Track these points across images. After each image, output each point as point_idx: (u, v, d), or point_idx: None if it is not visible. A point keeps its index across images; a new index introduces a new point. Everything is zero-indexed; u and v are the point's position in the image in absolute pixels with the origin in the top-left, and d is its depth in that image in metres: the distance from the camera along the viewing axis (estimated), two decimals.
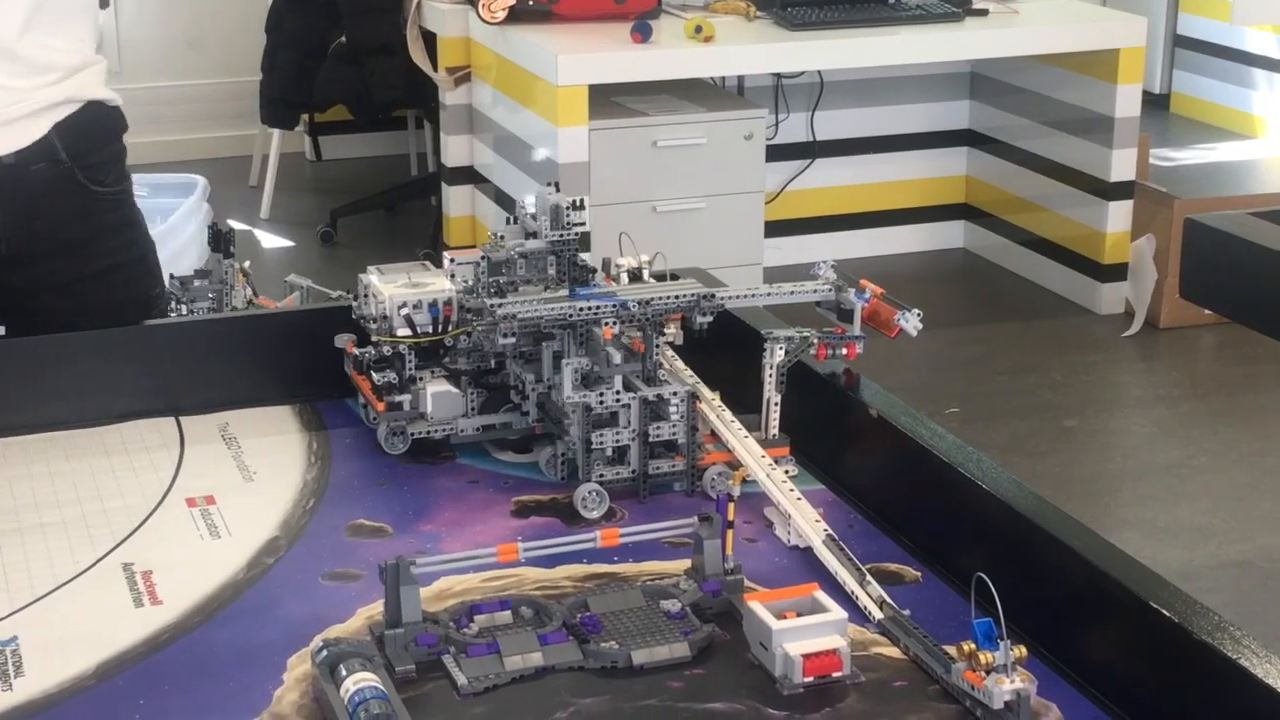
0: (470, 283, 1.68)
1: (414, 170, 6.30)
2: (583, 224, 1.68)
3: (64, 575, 1.46)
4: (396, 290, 1.69)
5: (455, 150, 4.83)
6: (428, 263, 1.77)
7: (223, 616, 1.41)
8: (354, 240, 5.71)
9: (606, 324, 1.57)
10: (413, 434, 1.68)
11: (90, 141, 2.03)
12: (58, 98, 1.98)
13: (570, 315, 1.57)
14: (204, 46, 6.25)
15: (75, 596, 1.43)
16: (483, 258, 1.66)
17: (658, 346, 1.62)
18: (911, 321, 1.65)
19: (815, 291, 1.70)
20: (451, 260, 1.69)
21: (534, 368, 1.65)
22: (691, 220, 4.37)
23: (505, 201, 4.58)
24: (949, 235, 5.62)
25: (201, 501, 1.61)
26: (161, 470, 1.67)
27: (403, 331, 1.67)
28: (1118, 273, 5.00)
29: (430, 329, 1.68)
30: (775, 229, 4.86)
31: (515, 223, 1.70)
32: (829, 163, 5.34)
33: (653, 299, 1.60)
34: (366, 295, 1.72)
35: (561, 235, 1.67)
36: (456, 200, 4.88)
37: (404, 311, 1.67)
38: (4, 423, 1.73)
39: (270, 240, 5.75)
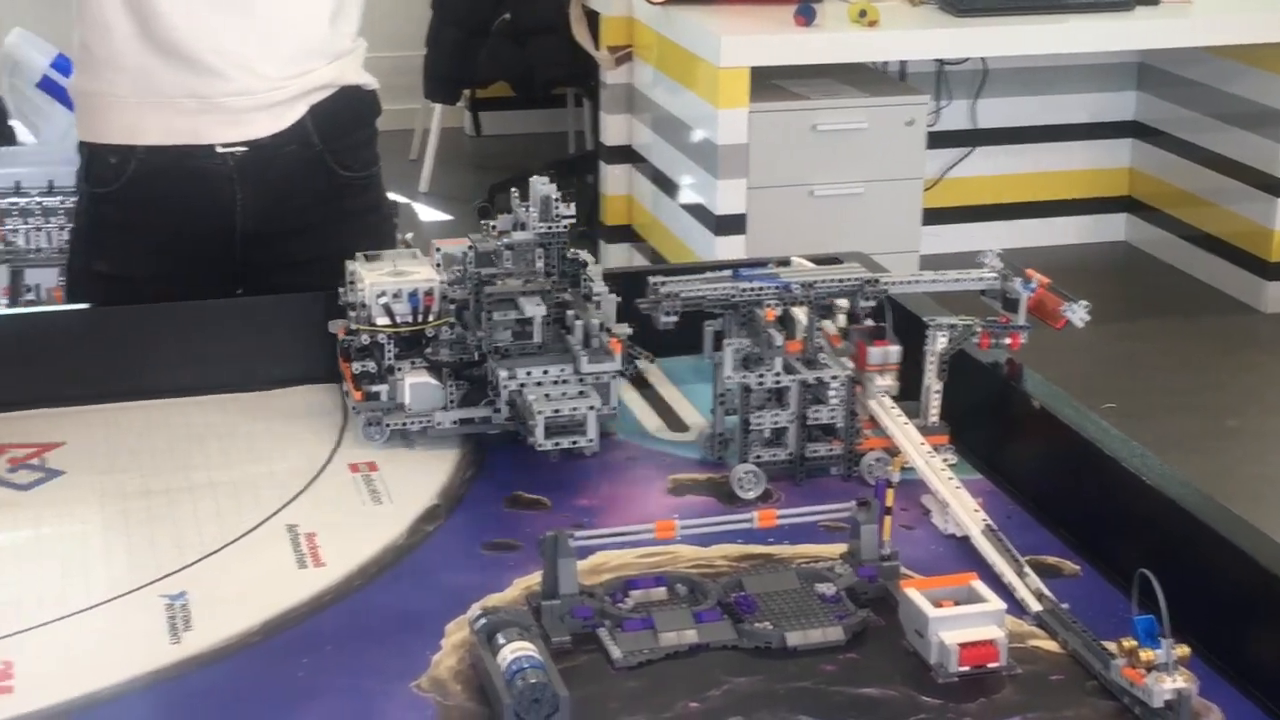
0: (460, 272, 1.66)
1: (571, 148, 6.34)
2: (571, 217, 1.66)
3: (231, 534, 1.50)
4: (377, 278, 1.66)
5: (614, 129, 4.85)
6: (417, 251, 1.74)
7: (383, 580, 1.43)
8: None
9: (769, 305, 1.57)
10: (389, 425, 1.65)
11: (343, 126, 2.04)
12: (317, 83, 1.99)
13: (733, 296, 1.58)
14: (368, 21, 6.33)
15: (241, 555, 1.47)
16: (470, 247, 1.64)
17: (819, 329, 1.61)
18: (1078, 313, 1.63)
19: (980, 280, 1.68)
20: (438, 250, 1.68)
21: (508, 364, 1.61)
22: (849, 205, 4.35)
23: (662, 181, 4.59)
24: (1111, 228, 5.53)
25: (364, 468, 1.63)
26: (325, 436, 1.70)
27: (381, 320, 1.64)
28: None
29: (410, 319, 1.65)
30: (933, 216, 4.81)
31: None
32: (990, 151, 5.28)
33: (816, 282, 1.59)
34: (353, 282, 1.69)
35: (550, 228, 1.65)
36: (613, 179, 4.90)
37: (382, 300, 1.64)
38: (179, 383, 1.77)
39: (428, 213, 5.81)
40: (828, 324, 1.64)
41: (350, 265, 1.69)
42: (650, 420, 1.76)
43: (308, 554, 1.47)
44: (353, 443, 1.69)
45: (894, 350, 1.60)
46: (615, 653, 1.30)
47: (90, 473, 1.61)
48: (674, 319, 1.58)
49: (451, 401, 1.65)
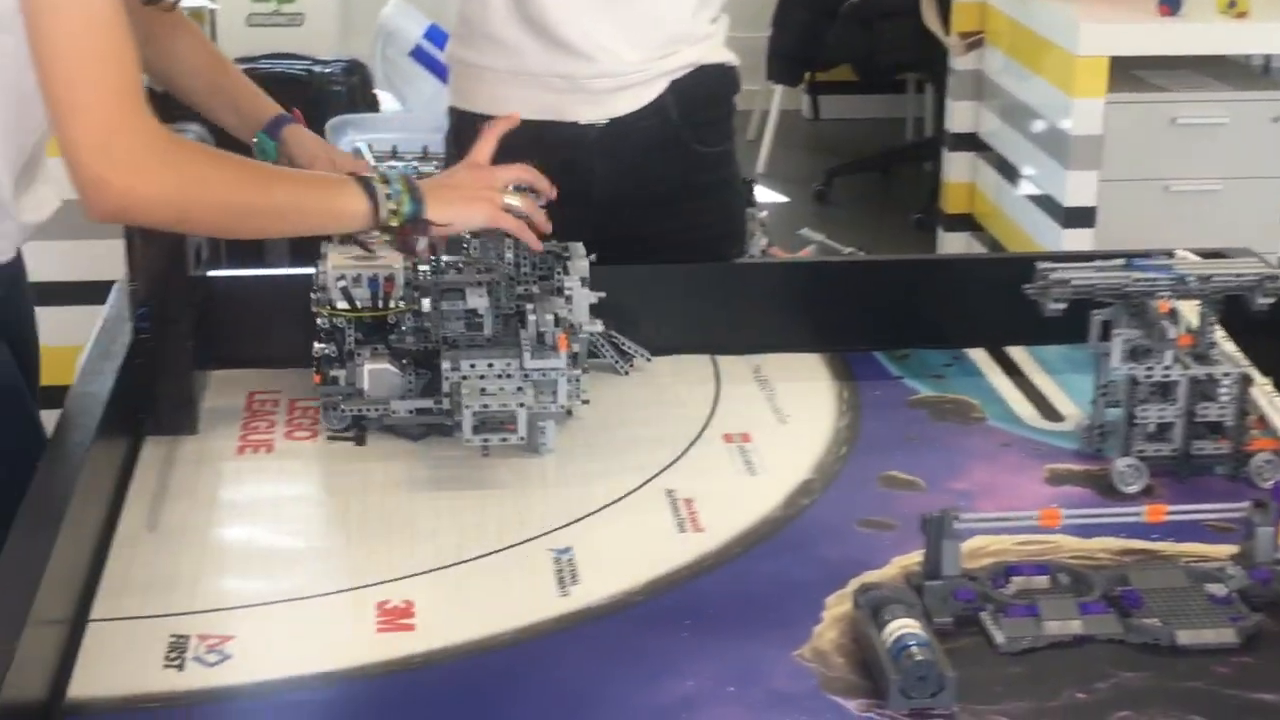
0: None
1: (909, 134, 6.28)
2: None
3: (612, 495, 1.54)
4: (340, 260, 1.63)
5: (960, 116, 4.78)
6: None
7: (762, 550, 1.45)
8: (848, 200, 5.74)
9: (1162, 297, 1.54)
10: (346, 411, 1.62)
11: (701, 102, 2.05)
12: (680, 64, 2.01)
13: (1125, 285, 1.55)
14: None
15: (622, 516, 1.51)
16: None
17: (1211, 325, 1.57)
18: None
19: None
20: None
21: (454, 355, 1.56)
22: (1205, 202, 4.20)
23: (1008, 170, 4.51)
24: None
25: (738, 438, 1.66)
26: (699, 405, 1.72)
27: (341, 304, 1.61)
28: None
29: (370, 303, 1.61)
30: None
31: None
32: None
33: (1213, 275, 1.55)
34: (320, 263, 1.65)
35: None
36: (957, 166, 4.83)
37: (341, 284, 1.61)
38: None
39: (765, 194, 5.84)
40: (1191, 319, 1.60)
41: (324, 245, 1.66)
42: (1023, 408, 1.74)
43: (687, 519, 1.50)
44: (725, 413, 1.71)
45: None
46: (999, 638, 1.29)
47: None
48: (1062, 306, 1.56)
49: (410, 390, 1.61)
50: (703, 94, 2.05)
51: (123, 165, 1.38)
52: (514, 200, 1.59)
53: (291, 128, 1.82)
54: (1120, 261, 1.57)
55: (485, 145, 1.65)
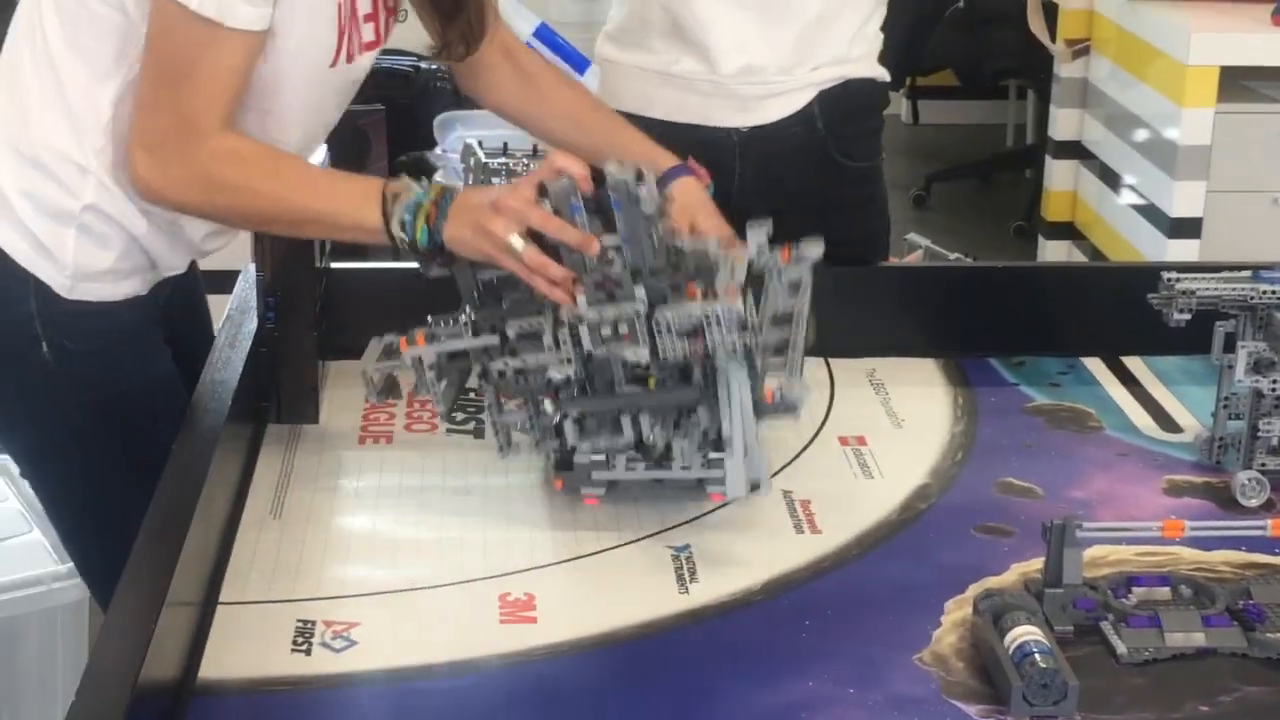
0: None
1: (1010, 141, 6.24)
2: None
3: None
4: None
5: (1064, 123, 4.74)
6: None
7: (879, 553, 1.46)
8: (946, 206, 5.71)
9: None
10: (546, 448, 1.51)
11: (848, 115, 2.02)
12: (830, 76, 1.99)
13: (1251, 297, 1.53)
14: None
15: (739, 515, 1.51)
16: None
17: None
18: None
19: None
20: None
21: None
22: None
23: (1111, 179, 4.47)
24: None
25: (853, 441, 1.66)
26: (814, 408, 1.72)
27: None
28: None
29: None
30: None
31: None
32: None
33: None
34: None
35: None
36: (1060, 174, 4.79)
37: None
38: None
39: None
40: None
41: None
42: (1140, 418, 1.73)
43: (804, 520, 1.50)
44: (840, 417, 1.71)
45: None
46: (1120, 648, 1.29)
47: None
48: (1187, 316, 1.55)
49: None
50: (851, 106, 2.02)
51: (158, 170, 1.48)
52: (517, 243, 1.44)
53: (680, 181, 1.74)
54: (1246, 273, 1.56)
55: (539, 174, 1.50)
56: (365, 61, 1.60)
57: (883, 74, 2.05)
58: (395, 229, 1.48)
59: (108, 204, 1.53)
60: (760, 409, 1.48)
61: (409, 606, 1.35)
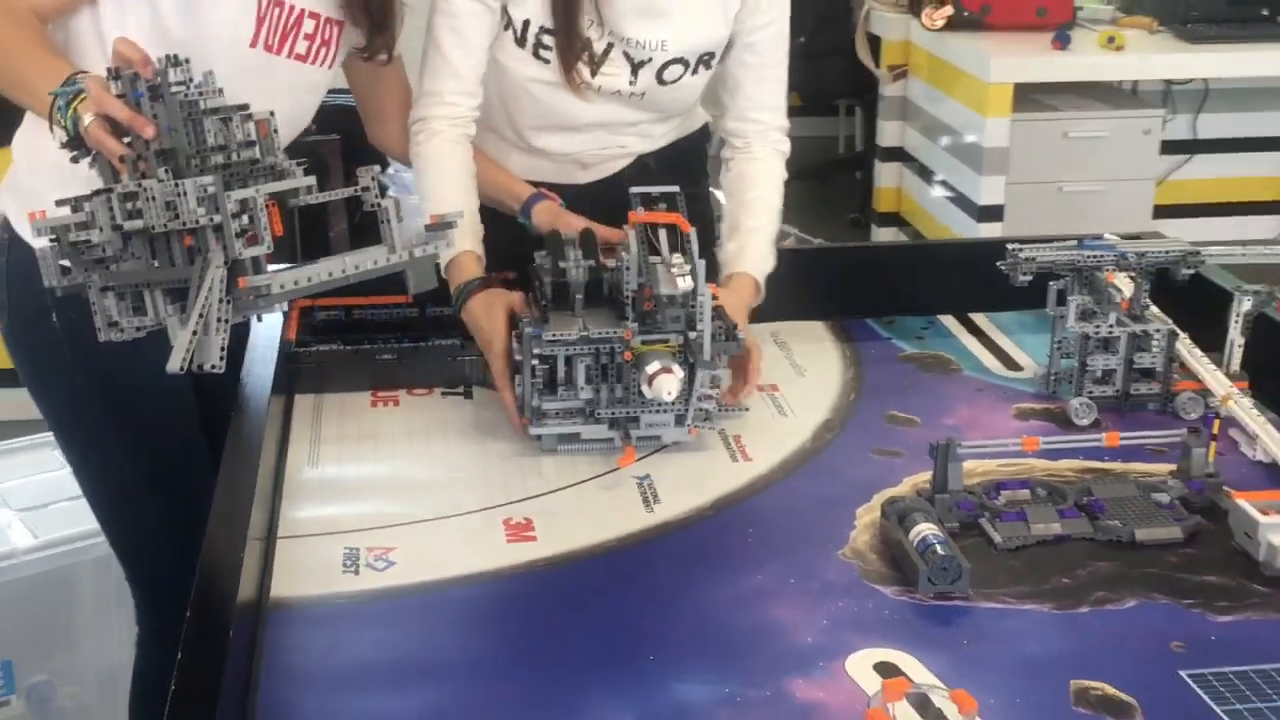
0: None
1: (841, 149, 6.32)
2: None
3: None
4: None
5: (889, 133, 4.84)
6: None
7: (800, 473, 1.50)
8: (794, 204, 5.76)
9: (1107, 269, 1.60)
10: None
11: (680, 156, 1.84)
12: (664, 143, 1.81)
13: (1079, 261, 1.60)
14: None
15: (687, 450, 1.55)
16: None
17: (1144, 291, 1.63)
18: None
19: None
20: None
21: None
22: (1091, 199, 4.27)
23: (928, 176, 4.58)
24: None
25: (768, 388, 1.71)
26: None
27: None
28: None
29: None
30: (1159, 212, 4.69)
31: None
32: (1207, 159, 5.11)
33: (1147, 252, 1.61)
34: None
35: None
36: (886, 174, 4.90)
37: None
38: None
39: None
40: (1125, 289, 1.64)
41: None
42: (989, 361, 1.79)
43: (738, 451, 1.54)
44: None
45: None
46: (996, 538, 1.35)
47: None
48: (1029, 278, 1.61)
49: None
50: (680, 158, 1.87)
51: None
52: (86, 120, 1.34)
53: (539, 205, 1.72)
54: (1072, 243, 1.63)
55: (113, 61, 1.35)
56: (309, 74, 1.57)
57: (702, 117, 1.90)
58: (55, 115, 1.38)
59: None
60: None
61: (433, 533, 1.38)
